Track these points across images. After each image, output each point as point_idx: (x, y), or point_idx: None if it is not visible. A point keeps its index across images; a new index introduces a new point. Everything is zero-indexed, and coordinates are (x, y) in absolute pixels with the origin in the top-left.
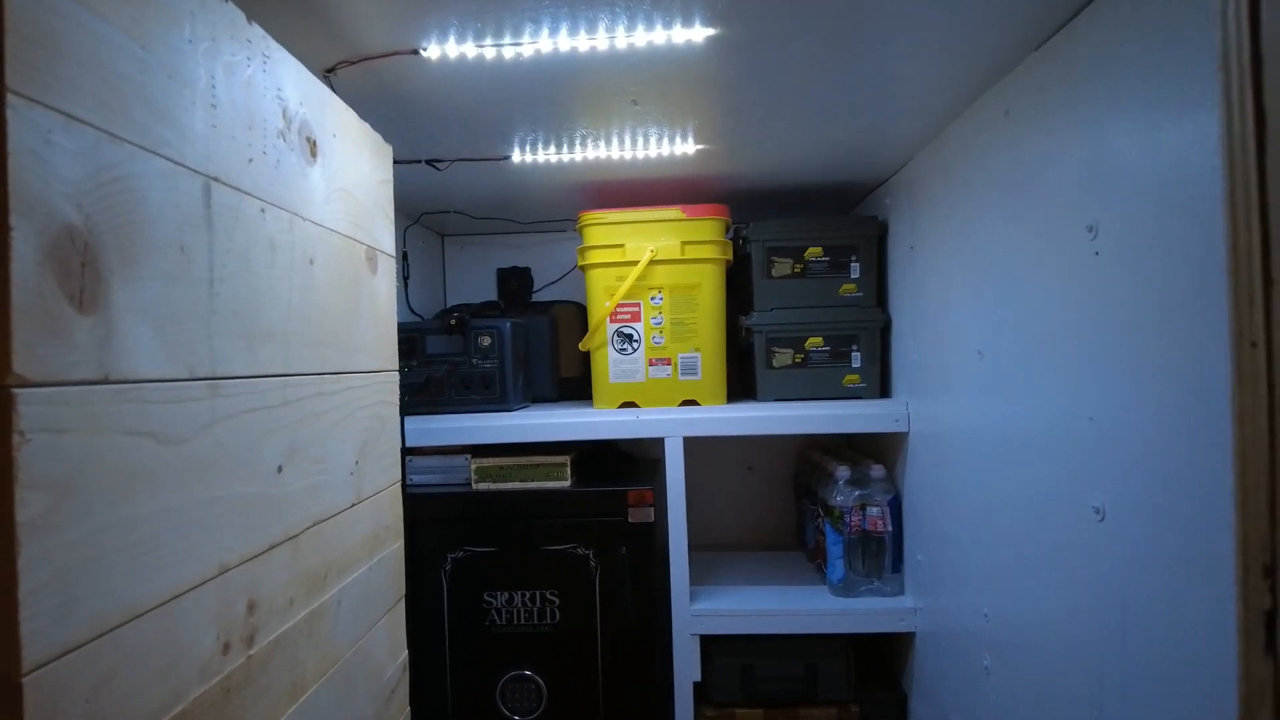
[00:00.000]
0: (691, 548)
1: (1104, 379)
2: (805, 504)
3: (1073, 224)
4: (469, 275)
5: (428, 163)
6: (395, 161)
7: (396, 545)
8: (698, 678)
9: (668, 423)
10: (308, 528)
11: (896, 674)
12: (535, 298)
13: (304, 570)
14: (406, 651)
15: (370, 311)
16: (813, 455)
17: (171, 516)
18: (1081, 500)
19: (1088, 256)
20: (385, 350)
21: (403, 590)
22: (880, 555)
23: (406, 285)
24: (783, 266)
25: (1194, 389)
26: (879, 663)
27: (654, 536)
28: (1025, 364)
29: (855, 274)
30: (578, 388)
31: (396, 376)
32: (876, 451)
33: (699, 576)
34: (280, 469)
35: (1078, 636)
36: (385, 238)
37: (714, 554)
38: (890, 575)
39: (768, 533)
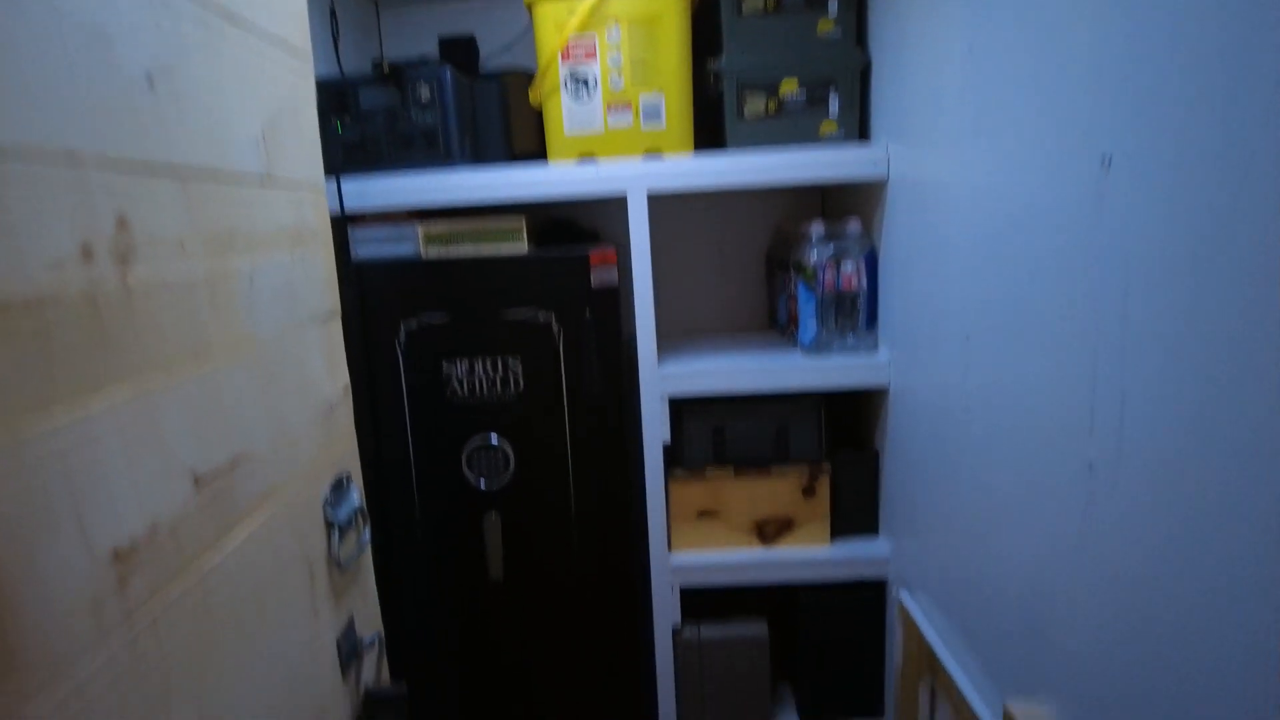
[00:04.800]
0: (661, 335)
1: (1116, 115)
2: (778, 278)
3: None
4: (407, 47)
5: None
6: None
7: (324, 256)
8: (668, 440)
9: (630, 176)
10: (199, 170)
11: (869, 434)
12: (483, 70)
13: (201, 223)
14: (348, 378)
15: None
16: (787, 227)
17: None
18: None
19: None
20: (296, 29)
21: (336, 309)
22: (854, 314)
23: (337, 49)
24: (754, 2)
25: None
26: (852, 424)
27: (619, 300)
28: (1023, 96)
29: (833, 11)
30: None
31: (310, 68)
32: (853, 211)
33: (668, 351)
34: (151, 80)
35: (1069, 340)
36: None
37: (684, 338)
38: (864, 333)
39: (741, 317)
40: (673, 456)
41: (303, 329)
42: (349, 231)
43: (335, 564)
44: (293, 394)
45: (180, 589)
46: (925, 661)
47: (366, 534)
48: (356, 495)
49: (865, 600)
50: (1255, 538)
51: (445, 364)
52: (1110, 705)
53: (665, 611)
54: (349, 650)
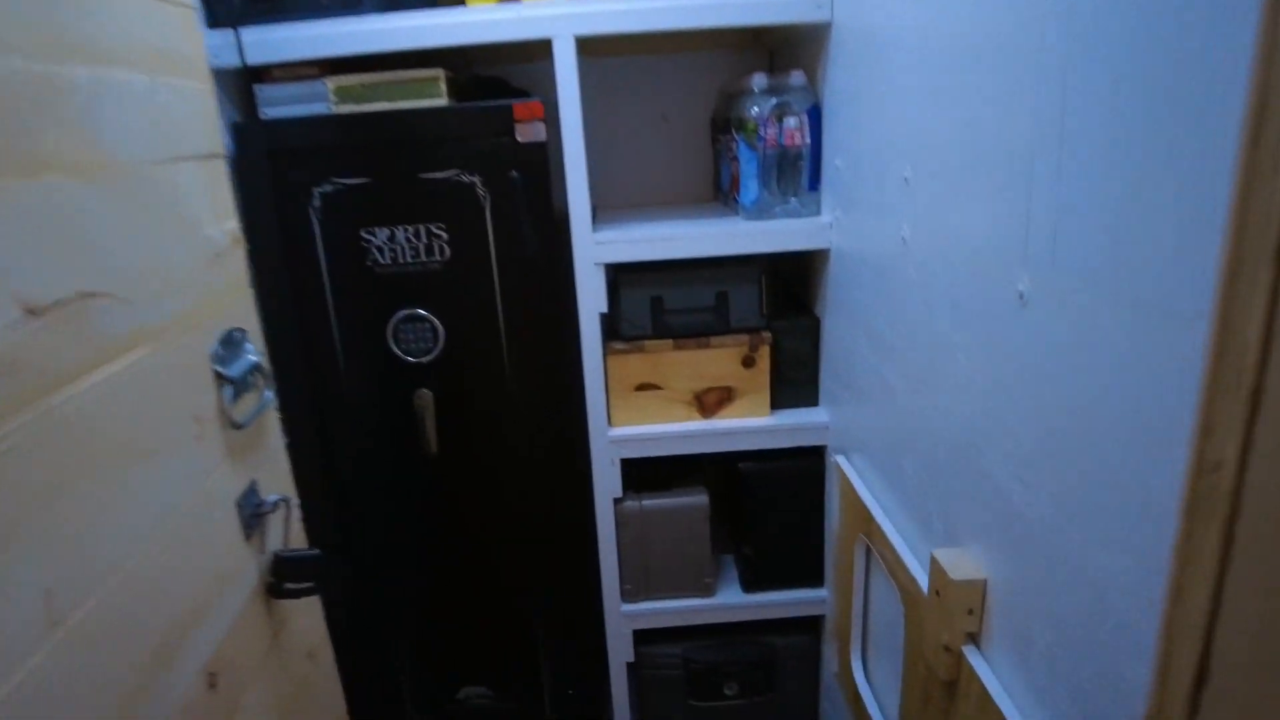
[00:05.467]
0: (601, 208)
1: None
2: (721, 142)
3: None
4: None
5: None
6: None
7: (200, 90)
8: (604, 309)
9: (555, 18)
10: None
11: (810, 300)
12: None
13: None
14: (236, 223)
15: None
16: (731, 86)
17: None
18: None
19: None
20: None
21: (219, 151)
22: (797, 174)
23: None
24: None
25: None
26: (794, 290)
27: (548, 158)
28: None
29: None
30: None
31: None
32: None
33: (606, 220)
34: None
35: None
36: None
37: (624, 209)
38: (807, 195)
39: (684, 188)
40: (611, 328)
41: (177, 165)
42: (255, 90)
43: (230, 422)
44: (167, 234)
45: (19, 422)
46: (861, 522)
47: (269, 395)
48: (253, 352)
49: (805, 469)
50: (1174, 372)
51: (364, 232)
52: (1031, 548)
53: (606, 484)
54: (250, 513)
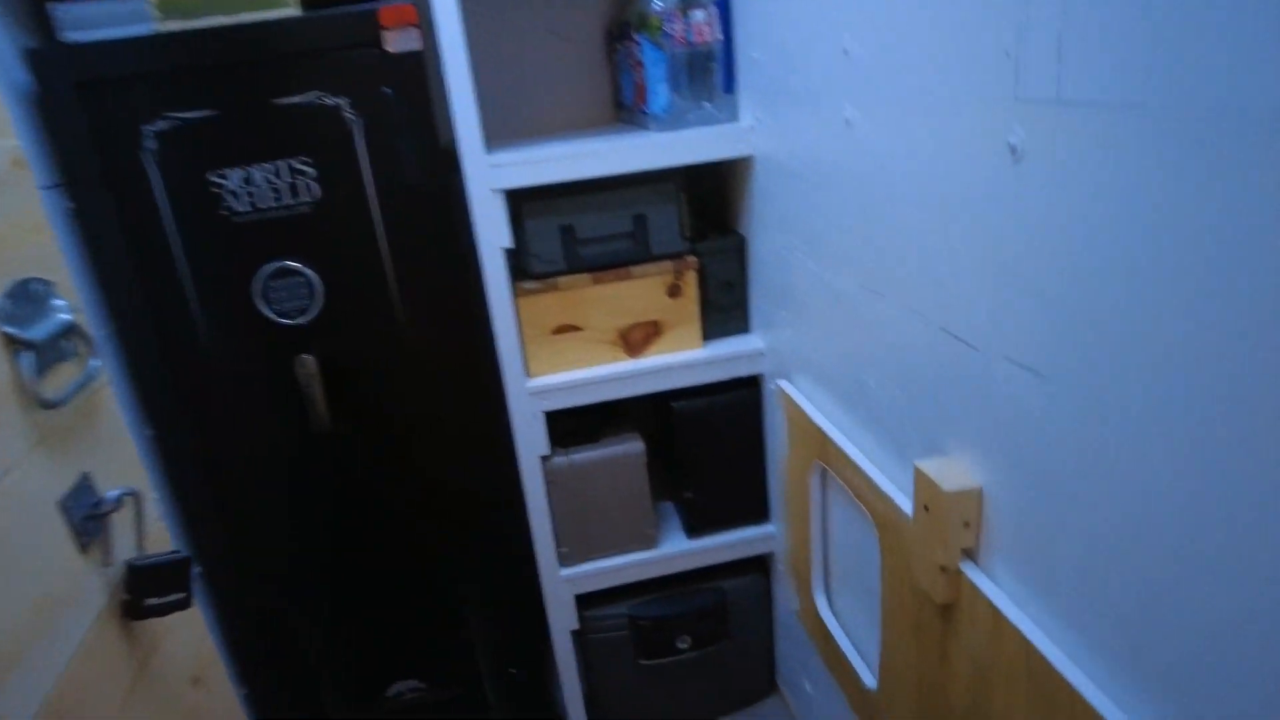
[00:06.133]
0: (489, 140)
1: None
2: (620, 51)
3: None
4: None
5: None
6: None
7: None
8: (507, 243)
9: None
10: None
11: (732, 219)
12: None
13: None
14: (17, 147)
15: None
16: None
17: None
18: None
19: None
20: None
21: None
22: (709, 76)
23: None
24: None
25: None
26: (715, 210)
27: (426, 72)
28: None
29: None
30: None
31: None
32: None
33: (499, 145)
34: None
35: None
36: None
37: (516, 138)
38: (722, 98)
39: (580, 112)
40: (519, 265)
41: None
42: (50, 9)
43: (37, 400)
44: None
45: None
46: (816, 447)
47: (95, 365)
48: (64, 310)
49: (743, 401)
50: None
51: (214, 175)
52: (1047, 448)
53: (530, 440)
54: (84, 515)
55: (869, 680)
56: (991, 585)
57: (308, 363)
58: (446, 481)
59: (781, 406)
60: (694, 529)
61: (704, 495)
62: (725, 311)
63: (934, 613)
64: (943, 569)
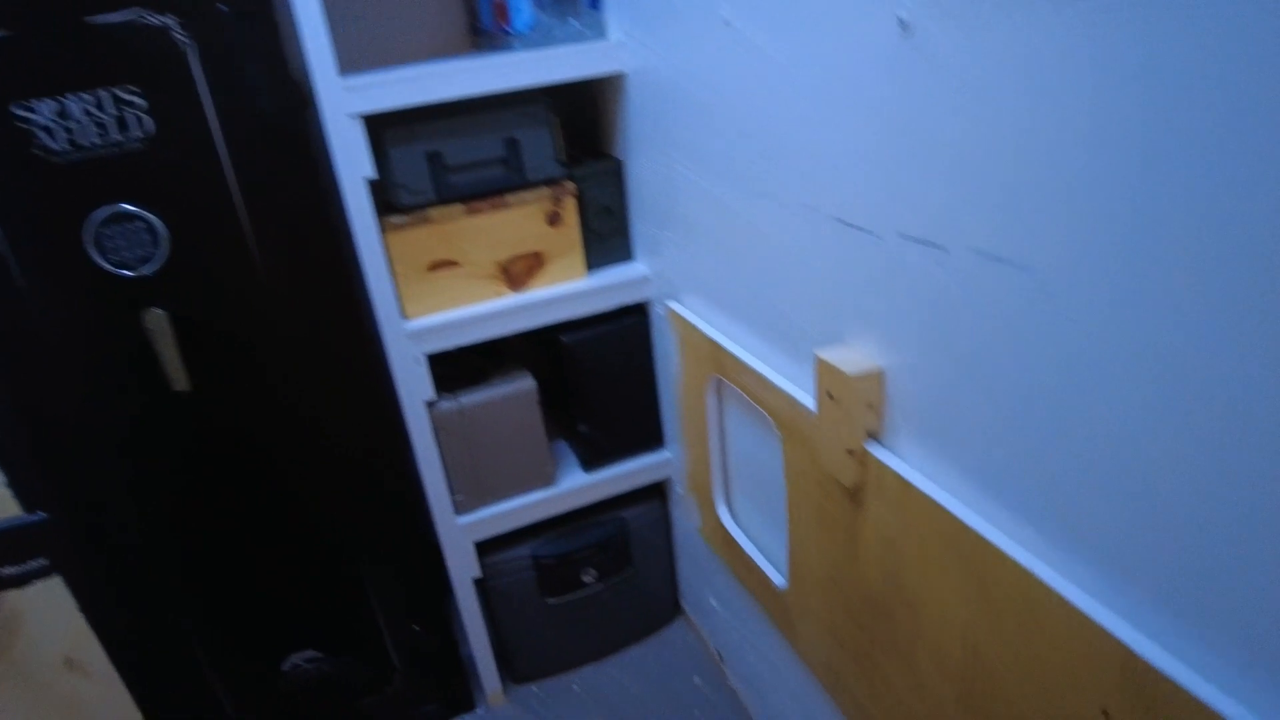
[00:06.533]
0: (342, 66)
1: None
2: None
3: None
4: None
5: None
6: None
7: None
8: (371, 174)
9: None
10: None
11: (606, 143)
12: None
13: None
14: None
15: None
16: None
17: None
18: None
19: None
20: None
21: None
22: None
23: None
24: None
25: None
26: (587, 135)
27: None
28: None
29: None
30: None
31: None
32: None
33: (352, 69)
34: None
35: None
36: None
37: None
38: (589, 13)
39: (434, 40)
40: (385, 198)
41: None
42: None
43: None
44: None
45: None
46: (710, 361)
47: None
48: None
49: (631, 329)
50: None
51: (18, 108)
52: (951, 319)
53: (412, 387)
54: None
55: (779, 580)
56: (898, 460)
57: (156, 318)
58: (326, 436)
59: (673, 327)
60: (590, 462)
61: (598, 428)
62: (607, 239)
63: (841, 500)
64: (849, 452)
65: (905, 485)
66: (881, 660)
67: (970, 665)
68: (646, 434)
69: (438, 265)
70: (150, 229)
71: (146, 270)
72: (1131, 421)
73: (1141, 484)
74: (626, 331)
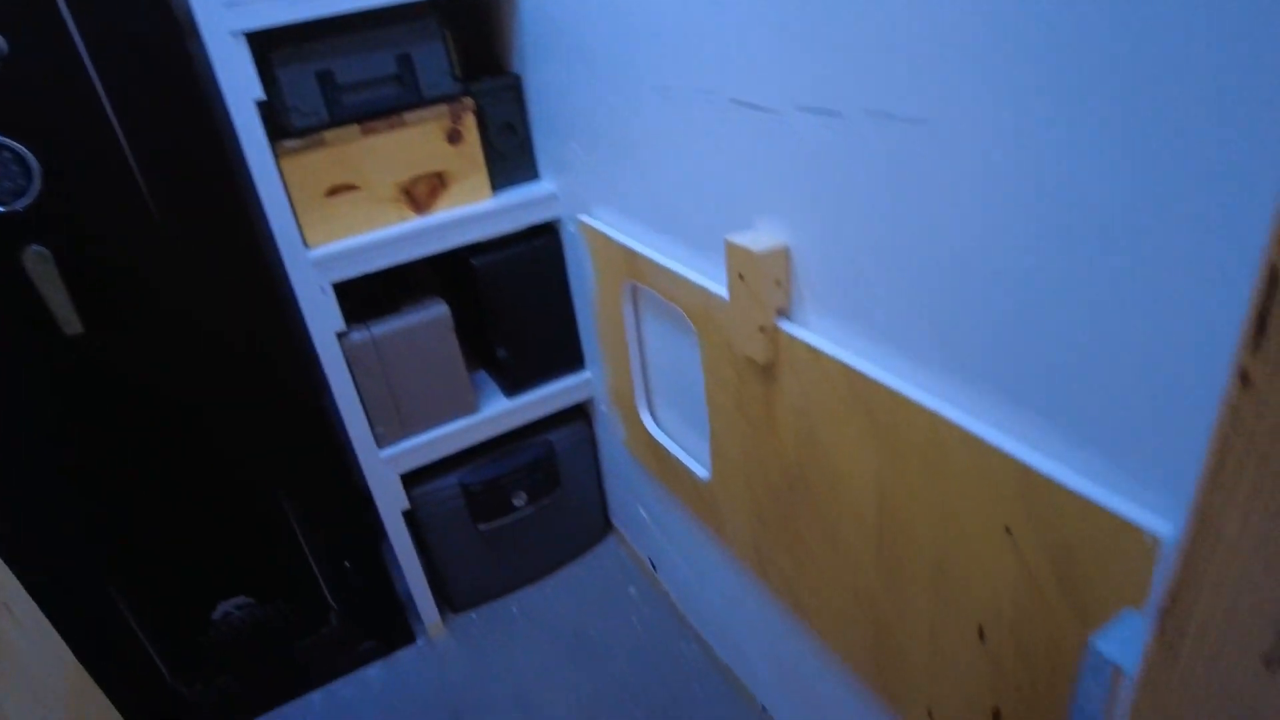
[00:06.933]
0: None
1: None
2: None
3: None
4: None
5: None
6: None
7: None
8: (259, 95)
9: None
10: None
11: (502, 60)
12: None
13: None
14: None
15: None
16: None
17: None
18: None
19: None
20: None
21: None
22: None
23: None
24: None
25: None
26: (481, 51)
27: None
28: None
29: None
30: None
31: None
32: None
33: None
34: None
35: None
36: None
37: None
38: None
39: None
40: (277, 122)
41: None
42: None
43: None
44: None
45: None
46: (625, 267)
47: None
48: None
49: (543, 250)
50: None
51: None
52: (849, 190)
53: (321, 319)
54: None
55: (703, 474)
56: (806, 331)
57: (39, 256)
58: (235, 374)
59: (585, 241)
60: (512, 387)
61: (517, 352)
62: (511, 158)
63: (756, 381)
64: (761, 329)
65: (814, 353)
66: (803, 531)
67: (883, 514)
68: (566, 355)
69: (337, 190)
70: (19, 159)
71: (19, 205)
72: (1019, 256)
73: (1029, 317)
74: (538, 252)
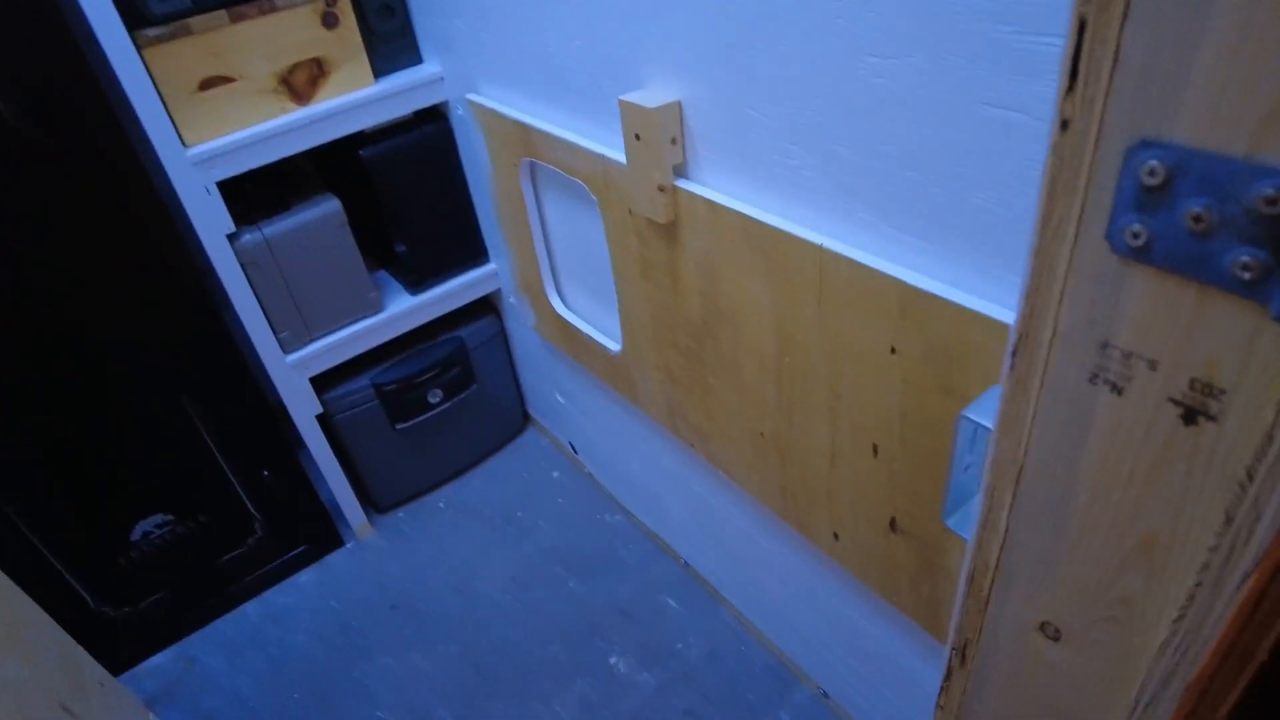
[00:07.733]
0: None
1: None
2: None
3: None
4: None
5: None
6: None
7: None
8: None
9: None
10: None
11: None
12: None
13: None
14: None
15: None
16: None
17: None
18: None
19: None
20: None
21: None
22: None
23: None
24: None
25: None
26: None
27: None
28: None
29: None
30: None
31: None
32: None
33: None
34: None
35: None
36: None
37: None
38: None
39: None
40: (135, 11)
41: None
42: None
43: None
44: None
45: None
46: (521, 144)
47: None
48: None
49: (434, 135)
50: None
51: None
52: (714, 41)
53: (208, 221)
54: None
55: (614, 346)
56: (704, 188)
57: None
58: (126, 285)
59: (476, 120)
60: (415, 283)
61: (417, 246)
62: (392, 41)
63: (660, 242)
64: (660, 189)
65: (713, 207)
66: (712, 381)
67: (782, 353)
68: (469, 247)
69: (210, 82)
70: None
71: None
72: (885, 83)
73: (907, 144)
74: (428, 139)
